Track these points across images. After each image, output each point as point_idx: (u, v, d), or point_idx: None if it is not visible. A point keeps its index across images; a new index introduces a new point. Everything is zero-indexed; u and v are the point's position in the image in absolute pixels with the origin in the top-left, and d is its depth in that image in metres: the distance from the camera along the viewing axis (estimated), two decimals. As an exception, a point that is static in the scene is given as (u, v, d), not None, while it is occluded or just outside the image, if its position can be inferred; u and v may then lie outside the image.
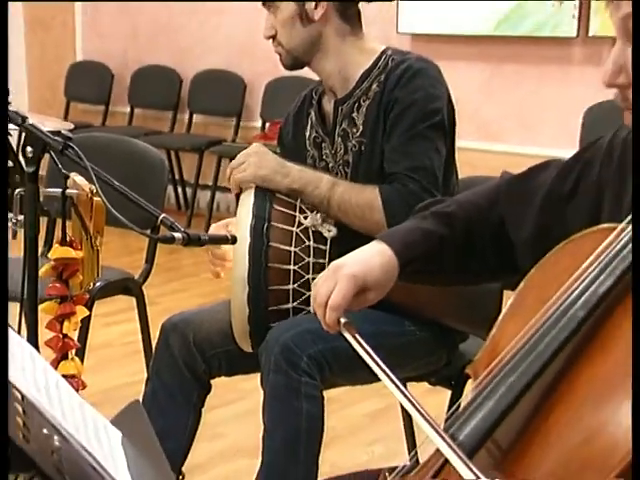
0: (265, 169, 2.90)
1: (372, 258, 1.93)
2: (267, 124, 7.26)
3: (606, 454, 1.46)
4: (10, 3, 8.39)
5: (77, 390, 3.00)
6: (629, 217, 1.58)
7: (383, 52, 2.99)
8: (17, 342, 1.68)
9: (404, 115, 2.86)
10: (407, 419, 3.43)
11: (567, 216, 1.95)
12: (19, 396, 1.51)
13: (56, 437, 1.48)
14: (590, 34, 6.18)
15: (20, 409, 1.48)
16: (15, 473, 1.48)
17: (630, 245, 1.57)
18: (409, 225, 2.06)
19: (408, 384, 3.30)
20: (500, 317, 1.79)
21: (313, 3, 2.94)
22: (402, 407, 3.38)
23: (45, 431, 1.47)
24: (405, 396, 1.69)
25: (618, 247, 1.60)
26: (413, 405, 1.66)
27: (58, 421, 1.52)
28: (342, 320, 1.88)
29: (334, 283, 1.88)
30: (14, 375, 1.55)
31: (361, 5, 3.04)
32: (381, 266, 1.93)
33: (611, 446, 1.46)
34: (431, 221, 2.02)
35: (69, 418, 1.57)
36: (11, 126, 2.79)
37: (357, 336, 1.85)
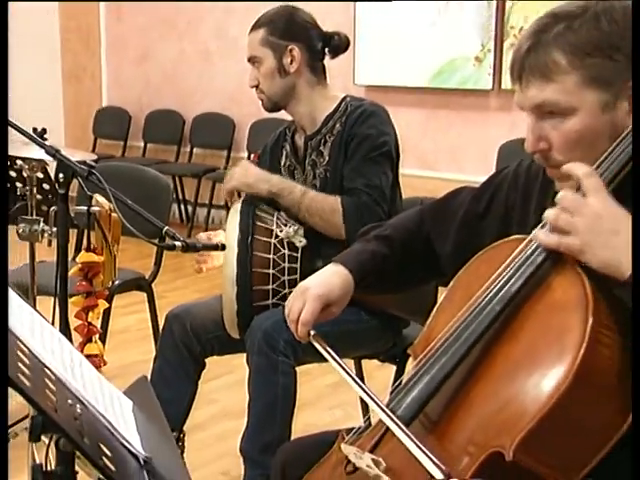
0: (250, 177, 2.94)
1: (332, 279, 1.92)
2: (252, 155, 7.19)
3: (516, 419, 1.46)
4: (50, 59, 8.55)
5: (99, 366, 2.99)
6: (535, 230, 1.58)
7: (343, 99, 3.01)
8: (48, 330, 1.66)
9: (360, 146, 2.89)
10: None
11: (481, 231, 1.93)
12: (50, 374, 1.50)
13: (78, 406, 1.47)
14: (503, 87, 6.25)
15: (50, 384, 1.46)
16: (47, 434, 1.44)
17: (537, 251, 1.57)
18: (357, 248, 2.03)
19: (363, 360, 3.33)
20: (435, 309, 1.79)
21: (289, 59, 2.96)
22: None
23: (69, 401, 1.46)
24: (361, 387, 1.71)
25: (527, 254, 1.59)
26: (367, 393, 1.68)
27: (80, 393, 1.51)
28: (312, 332, 1.86)
29: (303, 303, 1.86)
30: (46, 357, 1.53)
31: (326, 61, 3.06)
32: (340, 285, 1.92)
33: (520, 412, 1.46)
34: (374, 243, 2.01)
35: (89, 390, 1.56)
36: (47, 157, 2.79)
37: (324, 344, 1.84)
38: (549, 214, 1.52)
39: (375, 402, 1.65)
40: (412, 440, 1.52)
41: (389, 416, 1.59)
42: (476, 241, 1.88)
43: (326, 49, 3.04)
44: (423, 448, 1.51)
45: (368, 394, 1.68)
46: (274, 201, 2.95)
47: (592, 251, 1.47)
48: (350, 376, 1.74)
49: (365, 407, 3.24)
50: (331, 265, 1.97)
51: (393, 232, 2.04)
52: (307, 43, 2.99)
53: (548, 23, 1.62)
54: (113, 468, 1.39)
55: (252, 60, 3.01)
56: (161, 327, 3.14)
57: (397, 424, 1.57)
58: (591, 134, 1.61)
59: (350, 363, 3.32)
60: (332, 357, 1.78)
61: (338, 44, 3.04)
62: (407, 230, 2.06)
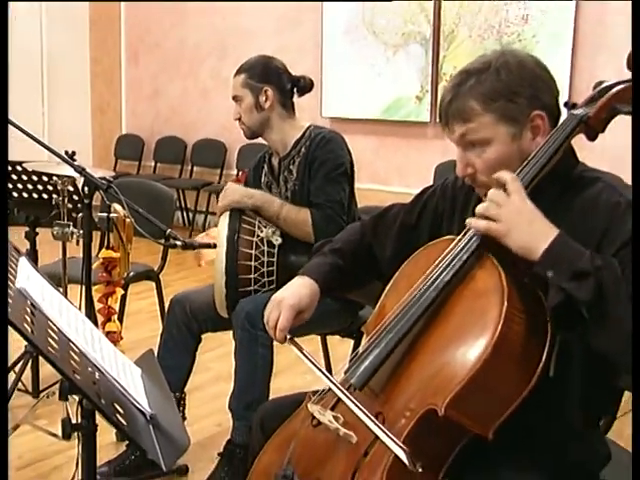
0: (237, 196, 2.90)
1: (302, 290, 1.88)
2: (239, 173, 7.23)
3: (447, 382, 1.46)
4: (82, 96, 8.55)
5: (117, 341, 2.99)
6: (463, 232, 1.59)
7: (308, 127, 3.00)
8: (73, 312, 1.65)
9: (322, 167, 2.88)
10: (326, 360, 3.44)
11: (415, 238, 1.92)
12: (74, 347, 1.48)
13: (97, 373, 1.47)
14: (438, 121, 6.19)
15: (74, 355, 1.44)
16: (72, 395, 1.44)
17: (464, 249, 1.57)
18: (318, 261, 1.99)
19: (328, 336, 3.33)
20: (383, 294, 1.79)
21: (264, 98, 2.96)
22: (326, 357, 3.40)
23: (89, 369, 1.46)
24: (334, 384, 1.64)
25: (457, 250, 1.59)
26: (335, 385, 1.63)
27: (98, 362, 1.50)
28: (288, 337, 1.82)
29: (279, 312, 1.82)
30: (71, 333, 1.52)
31: (295, 98, 3.06)
32: (309, 294, 1.88)
33: (451, 377, 1.46)
34: (330, 257, 1.98)
35: (106, 360, 1.55)
36: (75, 174, 2.80)
37: (299, 346, 1.80)
38: (481, 207, 1.54)
39: (333, 383, 1.64)
40: (358, 407, 1.54)
41: (343, 392, 1.59)
42: (410, 247, 1.88)
43: (294, 89, 3.04)
44: (367, 413, 1.52)
45: (333, 383, 1.64)
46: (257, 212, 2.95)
47: (513, 236, 1.50)
48: (320, 370, 1.70)
49: (330, 373, 3.25)
50: (298, 278, 1.93)
51: (343, 245, 2.02)
52: (278, 85, 2.99)
53: (463, 78, 1.65)
54: (125, 422, 1.39)
55: (235, 98, 3.01)
56: (166, 310, 3.11)
57: (348, 397, 1.57)
58: (505, 159, 1.64)
59: (317, 338, 3.32)
60: (306, 357, 1.74)
61: (304, 85, 3.05)
62: (353, 242, 2.04)
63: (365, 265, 2.03)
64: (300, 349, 1.78)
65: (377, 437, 1.49)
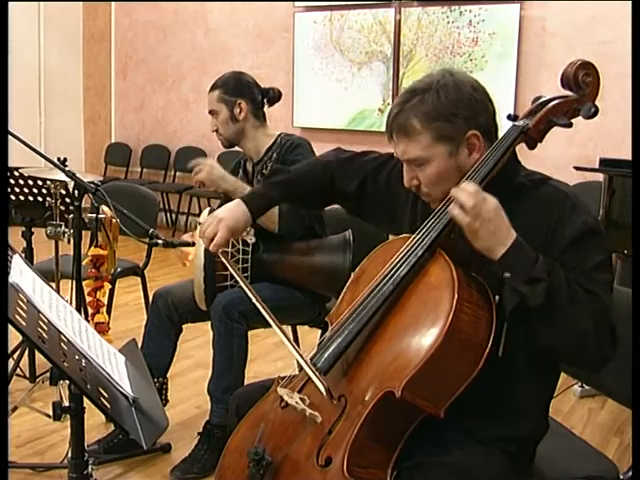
0: (213, 175, 2.84)
1: (239, 215, 1.95)
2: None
3: (403, 367, 1.46)
4: (75, 108, 8.48)
5: (106, 331, 2.96)
6: (450, 206, 1.52)
7: (279, 135, 2.97)
8: (62, 304, 1.62)
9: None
10: (297, 346, 3.41)
11: (374, 194, 1.95)
12: (62, 337, 1.46)
13: (83, 361, 1.45)
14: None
15: (63, 345, 1.42)
16: (61, 380, 1.41)
17: (418, 247, 1.57)
18: (260, 191, 2.06)
19: (298, 326, 3.30)
20: (345, 287, 1.77)
21: (238, 110, 2.92)
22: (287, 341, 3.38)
23: (77, 357, 1.44)
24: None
25: (412, 247, 1.59)
26: (285, 336, 1.67)
27: (85, 351, 1.48)
28: (220, 250, 1.94)
29: (216, 230, 1.91)
30: (60, 324, 1.49)
31: (267, 109, 3.03)
32: (244, 221, 1.96)
33: (406, 362, 1.46)
34: (273, 190, 2.04)
35: (92, 349, 1.53)
36: (67, 178, 2.76)
37: (228, 260, 1.97)
38: (464, 198, 1.47)
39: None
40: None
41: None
42: (368, 196, 1.94)
43: (265, 100, 3.01)
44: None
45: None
46: None
47: (480, 235, 1.47)
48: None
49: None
50: (239, 202, 1.98)
51: (294, 180, 2.05)
52: (250, 97, 2.95)
53: (408, 97, 1.64)
54: (109, 405, 1.38)
55: (212, 112, 2.97)
56: (150, 302, 3.08)
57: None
58: (444, 174, 1.63)
59: (288, 328, 3.30)
60: (238, 276, 1.89)
61: (273, 95, 3.02)
62: (309, 176, 2.07)
63: (316, 197, 2.08)
64: (231, 265, 1.95)
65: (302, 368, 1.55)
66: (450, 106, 1.60)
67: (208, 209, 2.85)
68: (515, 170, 1.68)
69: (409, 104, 1.63)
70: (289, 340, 1.69)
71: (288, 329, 3.31)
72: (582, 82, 1.61)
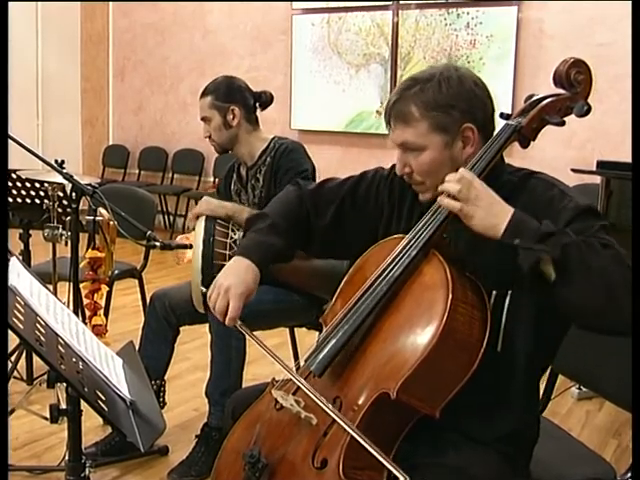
0: (211, 205, 2.86)
1: (247, 276, 1.75)
2: (216, 180, 7.25)
3: (398, 368, 1.46)
4: (73, 110, 8.49)
5: (103, 333, 2.96)
6: (439, 198, 1.55)
7: (272, 139, 2.96)
8: (59, 307, 1.63)
9: (287, 174, 2.83)
10: (294, 350, 3.42)
11: (351, 217, 1.89)
12: (60, 340, 1.47)
13: (80, 363, 1.46)
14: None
15: (60, 348, 1.43)
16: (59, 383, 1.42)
17: (411, 248, 1.57)
18: (257, 239, 1.83)
19: (296, 328, 3.31)
20: (339, 288, 1.77)
21: (231, 116, 2.91)
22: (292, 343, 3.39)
23: (74, 360, 1.44)
24: (278, 361, 1.61)
25: (406, 249, 1.59)
26: (281, 364, 1.60)
27: (82, 354, 1.49)
28: (239, 322, 1.73)
29: (227, 301, 1.72)
30: (57, 327, 1.50)
31: (263, 112, 3.02)
32: (253, 279, 1.76)
33: (401, 363, 1.46)
34: (269, 235, 1.82)
35: (89, 351, 1.53)
36: (64, 181, 2.76)
37: (247, 330, 1.72)
38: (450, 187, 1.50)
39: (286, 369, 1.60)
40: (312, 392, 1.52)
41: (296, 378, 1.58)
42: (346, 222, 1.88)
43: (257, 104, 2.99)
44: (321, 397, 1.50)
45: (281, 364, 1.61)
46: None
47: (478, 216, 1.48)
48: (269, 352, 1.64)
49: (297, 362, 3.24)
50: (240, 259, 1.79)
51: (279, 220, 1.86)
52: (243, 102, 2.93)
53: (409, 84, 1.66)
54: (106, 408, 1.38)
55: (204, 119, 2.95)
56: (148, 304, 3.08)
57: (302, 384, 1.56)
58: (438, 164, 1.65)
59: (286, 330, 3.30)
60: (255, 340, 1.66)
61: (265, 99, 3.00)
62: (290, 213, 1.90)
63: (300, 235, 1.91)
64: (250, 334, 1.69)
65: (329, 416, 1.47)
66: (449, 98, 1.62)
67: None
68: (501, 168, 1.68)
69: (410, 91, 1.65)
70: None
71: (286, 331, 3.32)
72: (574, 80, 1.62)
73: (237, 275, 1.76)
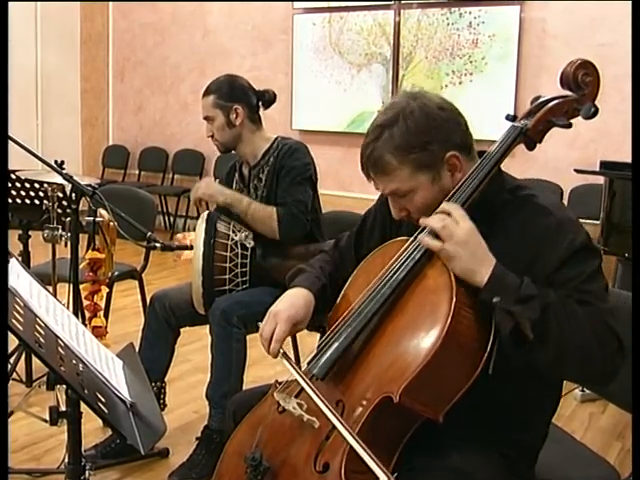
0: (211, 190, 2.89)
1: (298, 301, 1.74)
2: (217, 180, 7.23)
3: (402, 371, 1.45)
4: (73, 111, 8.49)
5: (103, 335, 2.95)
6: (420, 235, 1.56)
7: (275, 139, 2.97)
8: (59, 308, 1.63)
9: (289, 174, 2.85)
10: (295, 351, 3.41)
11: (371, 243, 1.88)
12: (60, 341, 1.46)
13: (81, 365, 1.45)
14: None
15: (60, 349, 1.43)
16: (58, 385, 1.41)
17: (416, 250, 1.57)
18: (308, 274, 1.87)
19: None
20: (342, 291, 1.77)
21: (234, 115, 2.91)
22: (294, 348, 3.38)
23: (74, 361, 1.44)
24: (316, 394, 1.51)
25: (410, 250, 1.58)
26: (312, 389, 1.52)
27: (82, 355, 1.48)
28: (281, 351, 1.67)
29: (275, 324, 1.68)
30: (57, 329, 1.50)
31: (264, 112, 3.02)
32: (304, 304, 1.75)
33: (405, 367, 1.45)
34: (318, 271, 1.88)
35: (89, 353, 1.53)
36: (64, 181, 2.75)
37: (291, 361, 1.63)
38: (434, 224, 1.51)
39: (307, 384, 1.54)
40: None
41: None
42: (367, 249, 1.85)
43: (260, 103, 2.99)
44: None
45: (315, 393, 1.52)
46: (230, 212, 2.91)
47: (458, 260, 1.48)
48: (309, 386, 1.54)
49: (299, 364, 3.24)
50: (296, 289, 1.79)
51: (324, 265, 1.93)
52: (246, 101, 2.94)
53: (376, 133, 1.62)
54: (106, 410, 1.38)
55: (207, 118, 2.95)
56: (148, 306, 3.08)
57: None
58: (431, 200, 1.61)
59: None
60: (298, 373, 1.57)
61: (268, 98, 3.00)
62: (330, 258, 1.98)
63: (339, 273, 1.91)
64: (292, 364, 1.61)
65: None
66: (421, 135, 1.58)
67: (206, 212, 2.86)
68: (500, 185, 1.65)
69: (379, 141, 1.60)
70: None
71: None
72: (582, 82, 1.61)
73: (287, 301, 1.76)
